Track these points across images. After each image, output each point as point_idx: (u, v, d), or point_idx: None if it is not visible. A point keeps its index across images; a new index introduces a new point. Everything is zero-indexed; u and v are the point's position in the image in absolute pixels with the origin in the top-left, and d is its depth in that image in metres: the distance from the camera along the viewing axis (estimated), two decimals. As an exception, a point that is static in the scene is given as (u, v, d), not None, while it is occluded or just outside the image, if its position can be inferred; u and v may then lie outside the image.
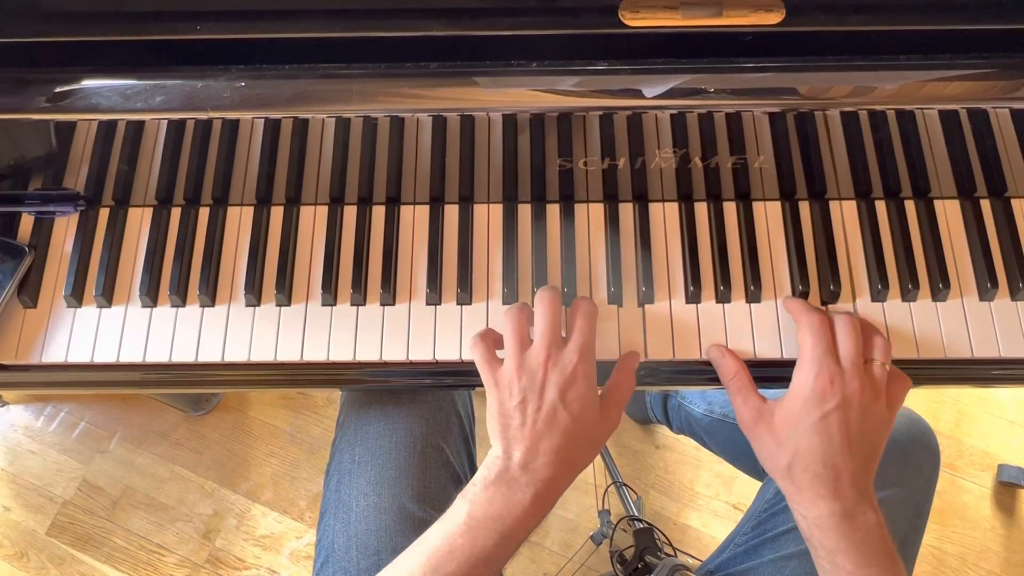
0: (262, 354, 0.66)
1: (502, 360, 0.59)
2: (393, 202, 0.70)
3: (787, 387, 0.61)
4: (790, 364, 0.64)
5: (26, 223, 0.71)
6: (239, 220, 0.71)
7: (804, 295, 0.66)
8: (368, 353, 0.66)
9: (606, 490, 1.25)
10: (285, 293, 0.67)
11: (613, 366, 0.63)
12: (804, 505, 0.57)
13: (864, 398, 0.57)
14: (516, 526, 0.55)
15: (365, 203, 0.70)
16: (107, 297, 0.68)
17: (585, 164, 0.66)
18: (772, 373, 0.65)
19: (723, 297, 0.67)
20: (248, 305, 0.68)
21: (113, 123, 0.62)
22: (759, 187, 0.69)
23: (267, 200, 0.71)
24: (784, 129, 0.63)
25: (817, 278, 0.67)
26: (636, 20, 0.56)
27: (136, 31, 0.57)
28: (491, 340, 0.61)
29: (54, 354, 0.67)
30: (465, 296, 0.67)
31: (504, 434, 0.57)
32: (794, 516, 0.59)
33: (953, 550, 1.33)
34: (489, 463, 0.56)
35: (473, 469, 0.84)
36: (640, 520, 1.08)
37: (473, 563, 0.54)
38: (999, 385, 0.72)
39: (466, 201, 0.70)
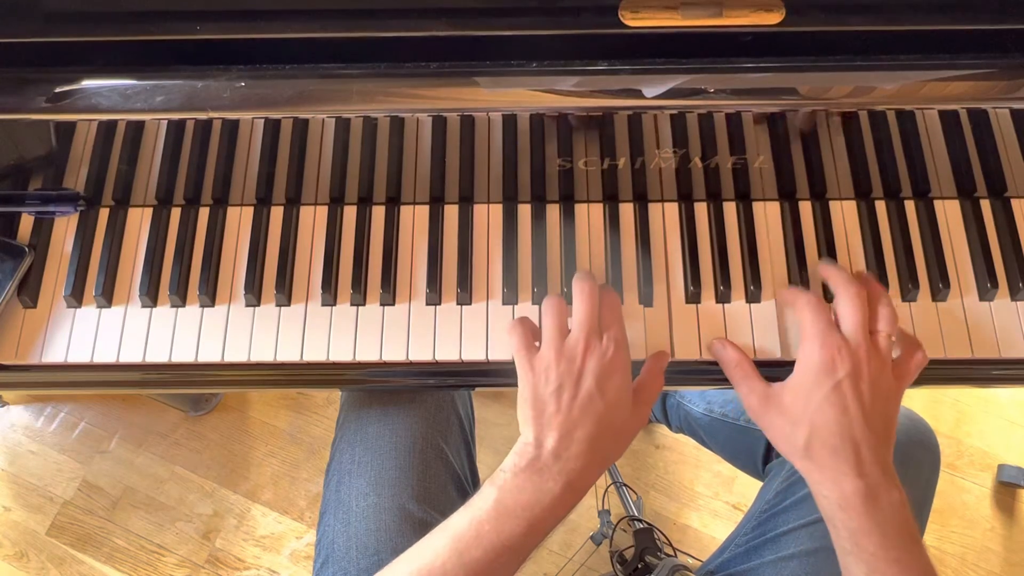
0: (262, 354, 0.66)
1: (538, 347, 0.59)
2: (393, 202, 0.70)
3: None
4: (791, 364, 0.64)
5: (26, 223, 0.71)
6: (239, 220, 0.71)
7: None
8: (368, 353, 0.66)
9: (606, 490, 1.25)
10: (285, 293, 0.67)
11: (637, 366, 0.63)
12: (827, 485, 0.56)
13: (872, 367, 0.57)
14: (545, 515, 0.54)
15: (365, 203, 0.70)
16: (107, 297, 0.68)
17: (585, 164, 0.66)
18: (773, 373, 0.64)
19: (723, 297, 0.67)
20: (248, 305, 0.68)
21: (113, 123, 0.62)
22: (759, 187, 0.69)
23: (267, 200, 0.70)
24: (784, 129, 0.63)
25: (819, 278, 0.67)
26: (636, 20, 0.56)
27: (136, 31, 0.57)
28: (528, 328, 0.61)
29: (54, 354, 0.67)
30: (465, 296, 0.67)
31: (537, 421, 0.56)
32: (815, 497, 0.58)
33: (953, 550, 1.33)
34: (520, 450, 0.56)
35: (473, 469, 0.84)
36: (640, 520, 1.08)
37: (499, 550, 0.53)
38: (999, 385, 0.72)
39: (466, 201, 0.70)
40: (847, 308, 0.59)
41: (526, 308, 0.67)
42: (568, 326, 0.59)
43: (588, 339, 0.57)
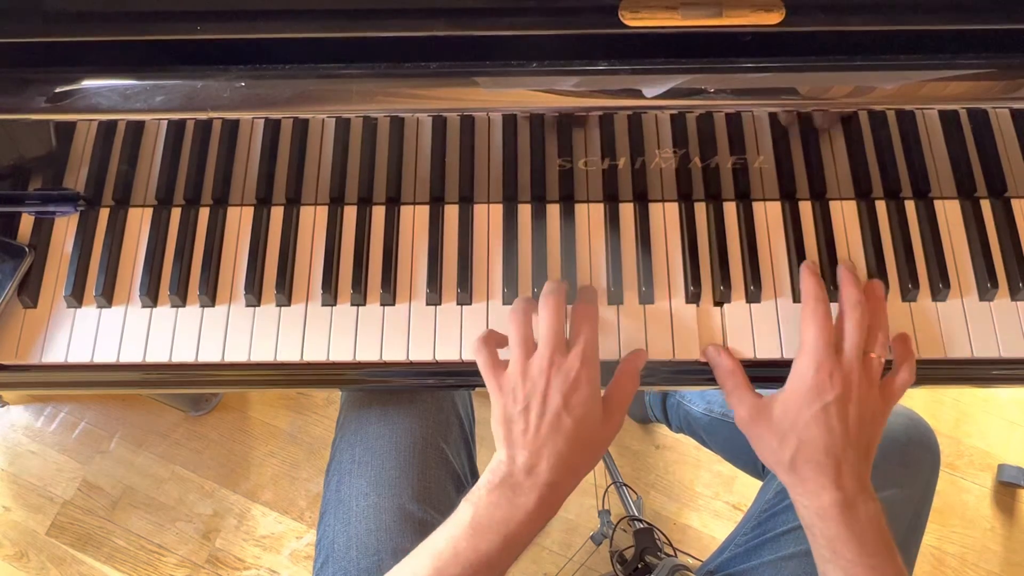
0: (262, 354, 0.66)
1: (506, 364, 0.59)
2: (393, 202, 0.70)
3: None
4: (790, 364, 0.64)
5: (26, 223, 0.71)
6: (239, 220, 0.70)
7: (804, 295, 0.66)
8: (368, 353, 0.66)
9: (606, 490, 1.25)
10: (285, 293, 0.67)
11: (614, 367, 0.63)
12: (807, 496, 0.58)
13: (861, 390, 0.58)
14: (520, 531, 0.55)
15: (365, 203, 0.70)
16: (107, 297, 0.68)
17: (585, 164, 0.66)
18: (772, 373, 0.65)
19: (723, 297, 0.67)
20: (248, 305, 0.68)
21: (113, 123, 0.62)
22: (759, 187, 0.69)
23: (267, 200, 0.71)
24: (784, 129, 0.63)
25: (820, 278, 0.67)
26: (636, 20, 0.56)
27: (136, 31, 0.57)
28: (494, 343, 0.61)
29: (54, 354, 0.67)
30: (465, 296, 0.67)
31: (508, 439, 0.57)
32: (795, 506, 0.60)
33: (953, 550, 1.33)
34: (493, 467, 0.57)
35: (473, 469, 0.84)
36: (640, 520, 1.08)
37: (477, 567, 0.54)
38: (999, 385, 0.72)
39: (466, 201, 0.70)
40: (850, 332, 0.60)
41: (526, 308, 0.67)
42: (535, 339, 0.59)
43: (552, 355, 0.57)
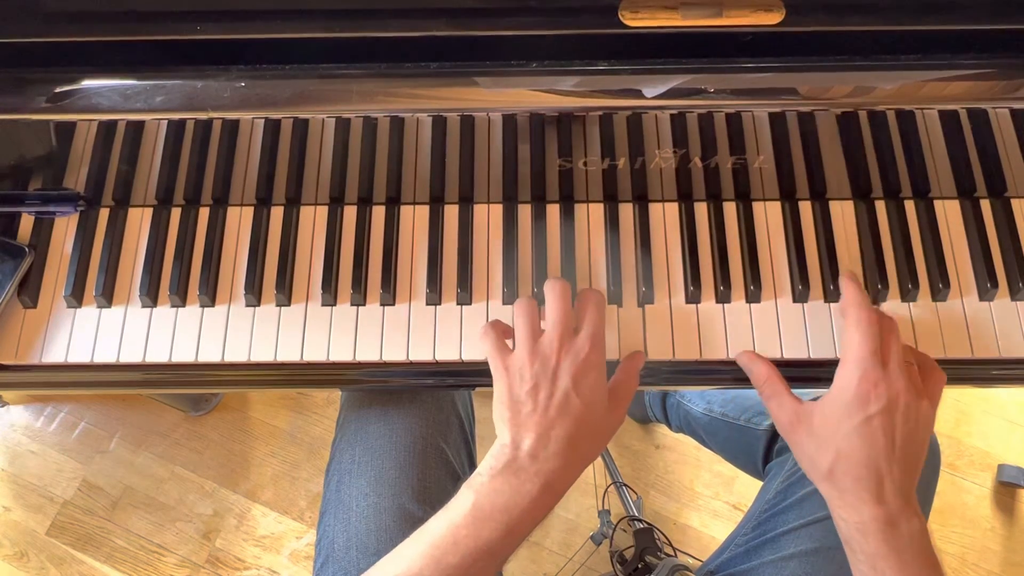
0: (262, 354, 0.66)
1: (512, 349, 0.59)
2: (393, 202, 0.70)
3: (792, 387, 0.61)
4: (790, 364, 0.65)
5: (26, 223, 0.71)
6: (239, 220, 0.71)
7: (804, 295, 0.66)
8: (368, 353, 0.66)
9: (606, 490, 1.25)
10: (285, 293, 0.67)
11: (613, 367, 0.63)
12: (846, 509, 0.56)
13: (908, 401, 0.56)
14: (523, 518, 0.54)
15: (365, 203, 0.70)
16: (107, 297, 0.68)
17: (585, 164, 0.66)
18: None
19: (723, 297, 0.67)
20: (248, 305, 0.68)
21: (113, 123, 0.62)
22: (759, 187, 0.69)
23: (267, 200, 0.71)
24: (784, 129, 0.63)
25: (819, 278, 0.67)
26: (636, 20, 0.56)
27: (136, 31, 0.57)
28: (500, 330, 0.61)
29: (54, 354, 0.67)
30: (465, 296, 0.67)
31: (513, 421, 0.55)
32: (834, 520, 0.58)
33: (953, 550, 1.33)
34: (496, 452, 0.55)
35: (474, 469, 0.84)
36: (640, 520, 1.08)
37: (477, 555, 0.53)
38: (999, 385, 0.72)
39: (466, 201, 0.70)
40: (893, 340, 0.58)
41: (526, 308, 0.67)
42: (541, 327, 0.59)
43: (561, 338, 0.57)
